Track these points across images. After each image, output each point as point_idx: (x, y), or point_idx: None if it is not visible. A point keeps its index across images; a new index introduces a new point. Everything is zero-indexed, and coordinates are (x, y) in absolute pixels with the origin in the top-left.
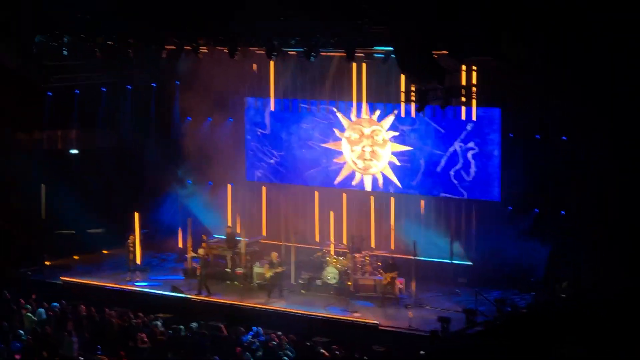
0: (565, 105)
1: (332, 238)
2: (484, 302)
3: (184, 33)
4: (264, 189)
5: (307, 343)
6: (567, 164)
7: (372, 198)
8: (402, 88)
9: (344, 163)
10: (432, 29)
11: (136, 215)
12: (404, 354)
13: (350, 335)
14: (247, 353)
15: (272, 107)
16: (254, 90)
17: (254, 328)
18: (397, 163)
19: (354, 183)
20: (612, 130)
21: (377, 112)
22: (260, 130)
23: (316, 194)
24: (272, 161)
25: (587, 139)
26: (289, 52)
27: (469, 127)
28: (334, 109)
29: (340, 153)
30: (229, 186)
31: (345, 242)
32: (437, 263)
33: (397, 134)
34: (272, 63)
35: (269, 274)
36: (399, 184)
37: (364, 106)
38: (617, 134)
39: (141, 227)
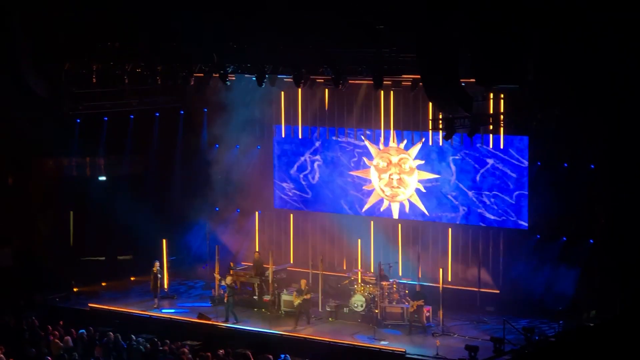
0: (592, 133)
1: (359, 266)
2: (512, 330)
3: (211, 60)
4: (291, 216)
5: None
6: (595, 192)
7: (399, 225)
8: (430, 116)
9: (372, 190)
10: (459, 57)
11: (164, 242)
12: None
13: None
14: None
15: (300, 135)
16: (282, 117)
17: (282, 355)
18: (424, 191)
19: (381, 210)
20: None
21: (405, 141)
22: (288, 157)
23: (344, 221)
24: (299, 189)
25: (614, 166)
26: (317, 80)
27: (496, 155)
28: (362, 137)
29: (368, 181)
30: (257, 213)
31: (372, 269)
32: (464, 291)
33: (424, 162)
34: (300, 90)
35: (296, 302)
36: (426, 212)
37: (392, 134)
38: None
39: (169, 254)
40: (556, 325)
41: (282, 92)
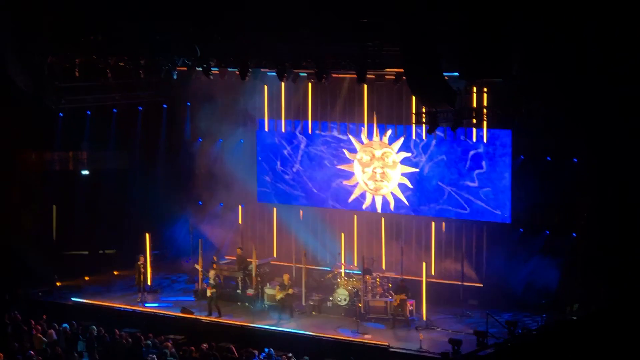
0: (575, 127)
1: (342, 260)
2: (495, 324)
3: (194, 54)
4: (274, 210)
5: None
6: (578, 185)
7: (382, 219)
8: (413, 110)
9: (356, 184)
10: (442, 51)
11: (147, 236)
12: None
13: (361, 357)
14: None
15: (283, 129)
16: (265, 111)
17: (266, 350)
18: (409, 185)
19: (365, 205)
20: (622, 151)
21: (388, 133)
22: (271, 151)
23: (327, 215)
24: (283, 182)
25: (597, 160)
26: (300, 74)
27: (479, 149)
28: (346, 131)
29: (351, 174)
30: (240, 207)
31: (355, 263)
32: (448, 285)
33: (408, 154)
34: (283, 84)
35: (279, 296)
36: (409, 206)
37: (375, 128)
38: (628, 156)
39: (152, 248)
40: (539, 319)
41: (265, 86)
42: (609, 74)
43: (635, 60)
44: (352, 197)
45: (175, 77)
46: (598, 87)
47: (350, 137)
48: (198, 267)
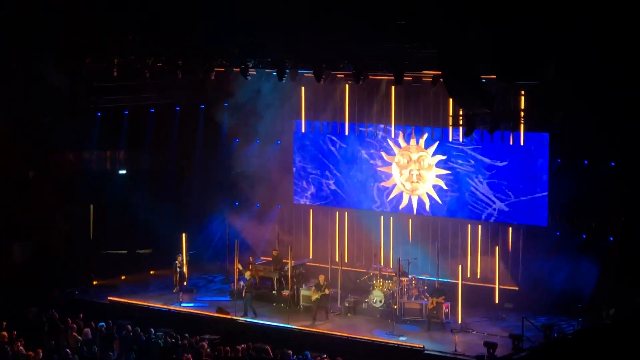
0: (613, 130)
1: (381, 262)
2: (531, 327)
3: (232, 54)
4: (310, 211)
5: None
6: (615, 189)
7: (419, 222)
8: (450, 112)
9: (393, 186)
10: (480, 53)
11: (183, 236)
12: None
13: (396, 359)
14: None
15: (320, 130)
16: (302, 112)
17: (306, 353)
18: (444, 187)
19: (402, 206)
20: None
21: (425, 136)
22: (308, 152)
23: (364, 216)
24: (319, 184)
25: (635, 164)
26: (338, 75)
27: (516, 152)
28: (382, 133)
29: (388, 176)
30: (277, 208)
31: (392, 265)
32: (483, 287)
33: (444, 157)
34: (320, 86)
35: (315, 297)
36: (445, 208)
37: (412, 130)
38: None
39: (188, 248)
40: (575, 323)
41: (303, 87)
42: None
43: None
44: (389, 197)
45: (212, 77)
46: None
47: (388, 140)
48: (235, 267)
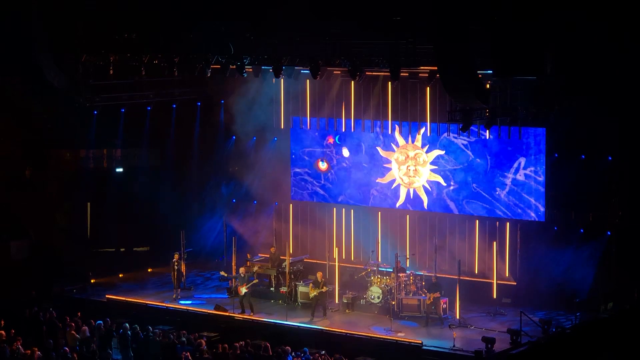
0: (610, 124)
1: (378, 258)
2: (529, 322)
3: (228, 52)
4: (308, 207)
5: None
6: (612, 184)
7: (417, 218)
8: (447, 108)
9: (391, 181)
10: (477, 48)
11: (182, 233)
12: None
13: (394, 355)
14: None
15: (317, 127)
16: (299, 109)
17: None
18: (442, 183)
19: (399, 203)
20: None
21: (422, 131)
22: (304, 149)
23: (361, 213)
24: (316, 180)
25: (632, 158)
26: (334, 72)
27: (513, 147)
28: (379, 130)
29: (386, 171)
30: (274, 205)
31: (389, 261)
32: (481, 283)
33: (441, 152)
34: (317, 82)
35: (312, 293)
36: (442, 203)
37: (409, 126)
38: None
39: (186, 246)
40: (573, 317)
41: (299, 84)
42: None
43: None
44: (387, 194)
45: (208, 75)
46: (632, 84)
47: (386, 136)
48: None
